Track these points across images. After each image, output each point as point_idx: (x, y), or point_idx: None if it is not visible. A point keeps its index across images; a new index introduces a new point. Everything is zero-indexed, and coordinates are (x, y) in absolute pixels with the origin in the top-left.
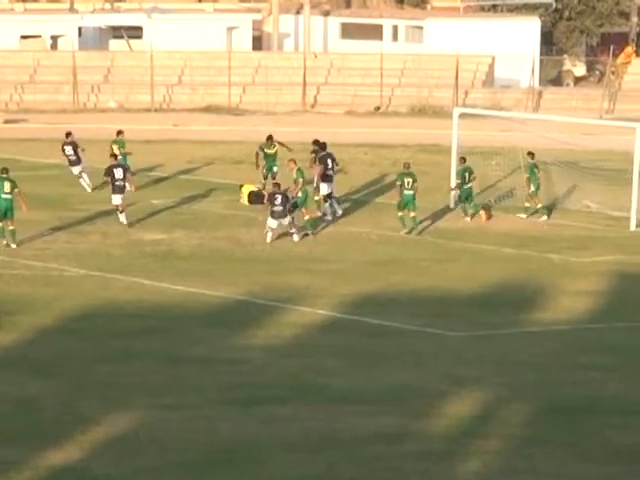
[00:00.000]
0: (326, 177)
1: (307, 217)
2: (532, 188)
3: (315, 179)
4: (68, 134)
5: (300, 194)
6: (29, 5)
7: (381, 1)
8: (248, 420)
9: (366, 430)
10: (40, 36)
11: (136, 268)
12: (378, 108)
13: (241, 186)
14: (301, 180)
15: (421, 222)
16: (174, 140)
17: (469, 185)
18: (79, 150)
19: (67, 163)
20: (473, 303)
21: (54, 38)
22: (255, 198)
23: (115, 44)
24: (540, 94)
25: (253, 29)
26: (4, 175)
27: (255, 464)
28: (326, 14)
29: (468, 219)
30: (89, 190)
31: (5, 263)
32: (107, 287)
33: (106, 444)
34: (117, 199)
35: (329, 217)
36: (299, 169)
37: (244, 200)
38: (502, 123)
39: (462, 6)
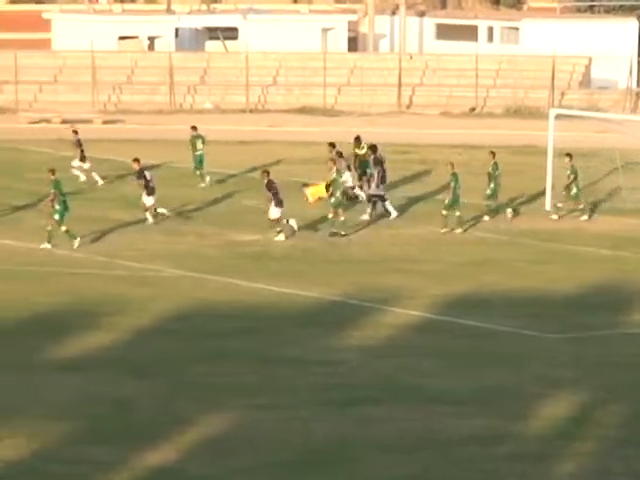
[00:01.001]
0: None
1: (331, 215)
2: (574, 190)
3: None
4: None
5: (338, 194)
6: (127, 6)
7: (476, 2)
8: (342, 421)
9: (460, 431)
10: (138, 37)
11: (231, 269)
12: (473, 109)
13: (305, 185)
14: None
15: (468, 220)
16: (268, 141)
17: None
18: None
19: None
20: (569, 304)
21: (151, 39)
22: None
23: (211, 45)
24: (638, 95)
25: (348, 30)
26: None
27: (349, 464)
28: (421, 15)
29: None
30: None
31: (103, 264)
32: (202, 288)
33: (201, 444)
34: (151, 200)
35: (366, 217)
36: (338, 170)
37: (311, 198)
38: (598, 124)
39: (559, 7)
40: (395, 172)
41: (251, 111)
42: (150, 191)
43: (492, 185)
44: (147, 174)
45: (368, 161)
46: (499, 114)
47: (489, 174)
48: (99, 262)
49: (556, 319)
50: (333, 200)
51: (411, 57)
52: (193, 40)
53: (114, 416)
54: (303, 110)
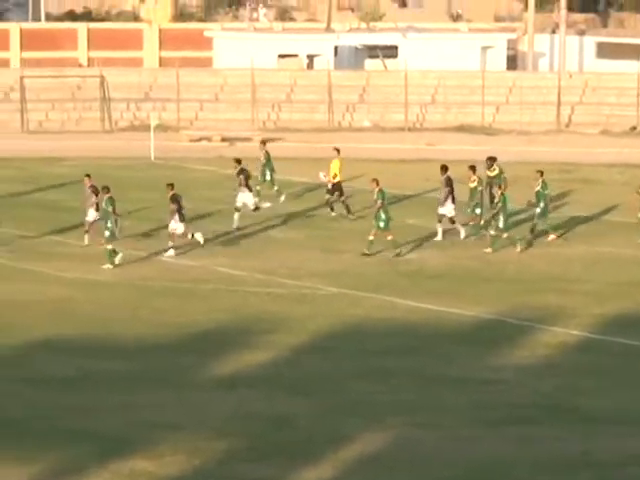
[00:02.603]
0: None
1: (390, 237)
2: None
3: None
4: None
5: (382, 215)
6: (287, 24)
7: (639, 20)
8: (502, 440)
9: (620, 452)
10: (297, 55)
11: (388, 287)
12: (634, 128)
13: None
14: (380, 202)
15: None
16: (427, 159)
17: None
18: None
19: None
20: None
21: (311, 57)
22: None
23: (370, 63)
24: None
25: (508, 48)
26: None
27: None
28: (581, 34)
29: None
30: None
31: (261, 281)
32: (359, 305)
33: (359, 462)
34: (182, 227)
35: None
36: (380, 190)
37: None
38: None
39: None
40: (555, 191)
41: (410, 129)
42: (182, 217)
43: (542, 204)
44: (180, 200)
45: (496, 183)
46: None
47: (538, 192)
48: (257, 279)
49: None
50: (382, 222)
51: (570, 76)
52: (352, 58)
53: (272, 433)
54: (461, 128)
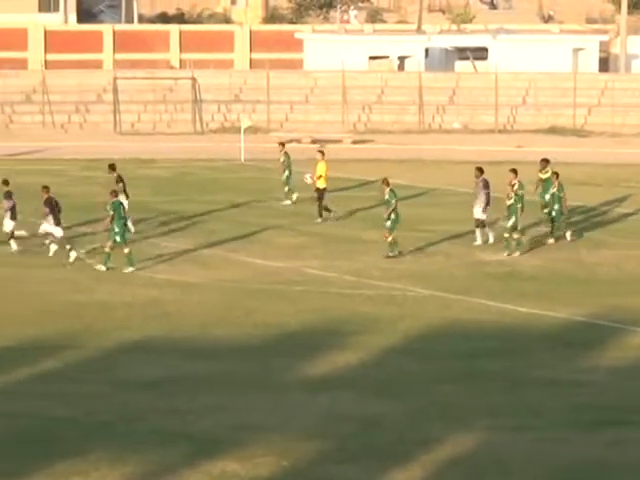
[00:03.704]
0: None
1: (390, 239)
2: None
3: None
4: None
5: (393, 216)
6: (378, 26)
7: None
8: (593, 443)
9: None
10: (388, 57)
11: (478, 289)
12: None
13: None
14: (393, 202)
15: None
16: (517, 161)
17: None
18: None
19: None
20: None
21: (401, 59)
22: None
23: (460, 65)
24: None
25: (600, 50)
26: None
27: None
28: None
29: None
30: None
31: (351, 283)
32: (449, 308)
33: (449, 465)
34: (59, 231)
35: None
36: (391, 190)
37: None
38: None
39: None
40: None
41: (500, 131)
42: (57, 221)
43: (556, 206)
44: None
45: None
46: None
47: (553, 195)
48: (347, 281)
49: None
50: (391, 222)
51: None
52: (443, 60)
53: (361, 435)
54: (552, 130)
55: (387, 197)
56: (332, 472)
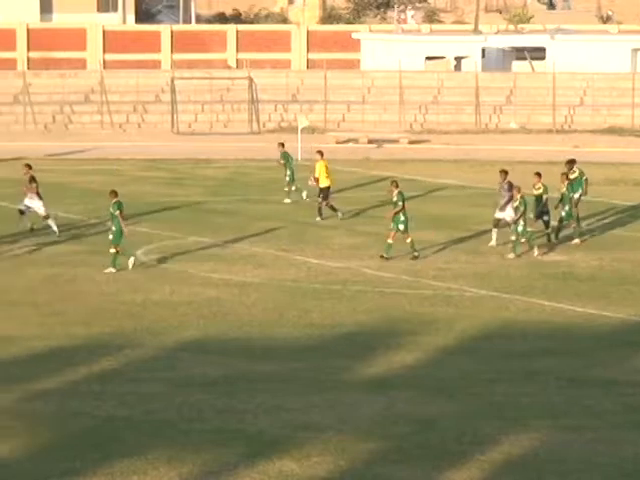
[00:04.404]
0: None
1: (409, 240)
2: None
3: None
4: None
5: (402, 217)
6: (435, 26)
7: None
8: None
9: None
10: (445, 57)
11: (535, 289)
12: None
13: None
14: (400, 204)
15: None
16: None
17: None
18: None
19: None
20: None
21: (458, 59)
22: None
23: (517, 65)
24: None
25: None
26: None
27: None
28: None
29: None
30: None
31: (408, 283)
32: (506, 308)
33: (506, 465)
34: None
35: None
36: (400, 192)
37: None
38: None
39: None
40: None
41: (557, 131)
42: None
43: (567, 207)
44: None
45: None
46: None
47: (563, 195)
48: (405, 281)
49: None
50: (401, 223)
51: None
52: (500, 60)
53: (418, 435)
54: (610, 130)
55: (395, 199)
56: (389, 472)
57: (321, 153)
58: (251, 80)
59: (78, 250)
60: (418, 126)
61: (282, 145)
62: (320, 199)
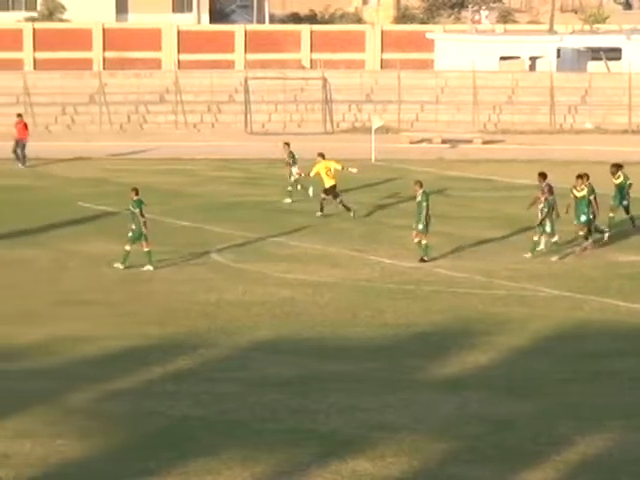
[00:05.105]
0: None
1: (424, 242)
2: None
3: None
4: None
5: (425, 218)
6: (509, 26)
7: None
8: None
9: None
10: (519, 57)
11: (610, 289)
12: None
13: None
14: (425, 205)
15: None
16: None
17: None
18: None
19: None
20: None
21: (532, 59)
22: None
23: (593, 65)
24: None
25: None
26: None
27: None
28: None
29: None
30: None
31: (482, 283)
32: (580, 308)
33: (581, 465)
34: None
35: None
36: (424, 192)
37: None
38: None
39: None
40: None
41: (633, 132)
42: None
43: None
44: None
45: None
46: None
47: (583, 197)
48: (478, 281)
49: None
50: (421, 225)
51: None
52: (575, 60)
53: (492, 435)
54: None
55: (419, 199)
56: (462, 472)
57: (322, 155)
58: (325, 80)
59: (153, 250)
60: (492, 126)
61: (288, 145)
62: (324, 195)
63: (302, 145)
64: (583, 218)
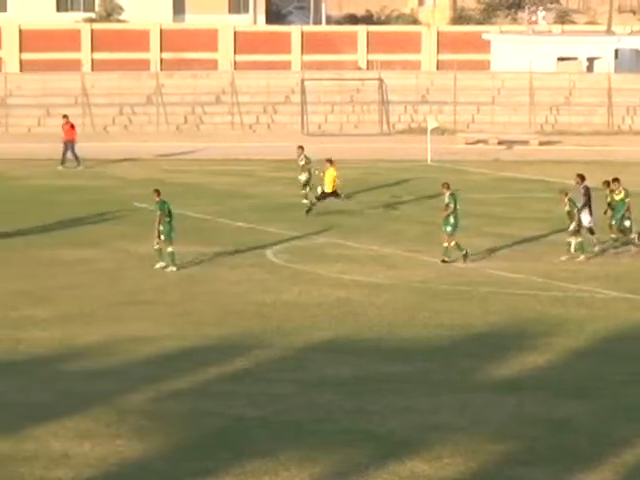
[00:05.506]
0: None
1: (453, 243)
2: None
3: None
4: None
5: (452, 219)
6: (567, 27)
7: None
8: None
9: None
10: (577, 58)
11: None
12: None
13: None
14: (452, 206)
15: None
16: None
17: None
18: None
19: None
20: None
21: (590, 60)
22: None
23: None
24: None
25: None
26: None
27: None
28: None
29: None
30: None
31: (540, 284)
32: (639, 309)
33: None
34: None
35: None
36: (452, 194)
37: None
38: None
39: None
40: None
41: None
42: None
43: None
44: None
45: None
46: None
47: (609, 204)
48: (535, 282)
49: None
50: (450, 226)
51: None
52: (633, 61)
53: (550, 436)
54: None
55: (447, 200)
56: (520, 474)
57: (330, 161)
58: (381, 81)
59: (208, 251)
60: (549, 127)
61: (302, 148)
62: (319, 198)
63: (358, 146)
64: (627, 223)
